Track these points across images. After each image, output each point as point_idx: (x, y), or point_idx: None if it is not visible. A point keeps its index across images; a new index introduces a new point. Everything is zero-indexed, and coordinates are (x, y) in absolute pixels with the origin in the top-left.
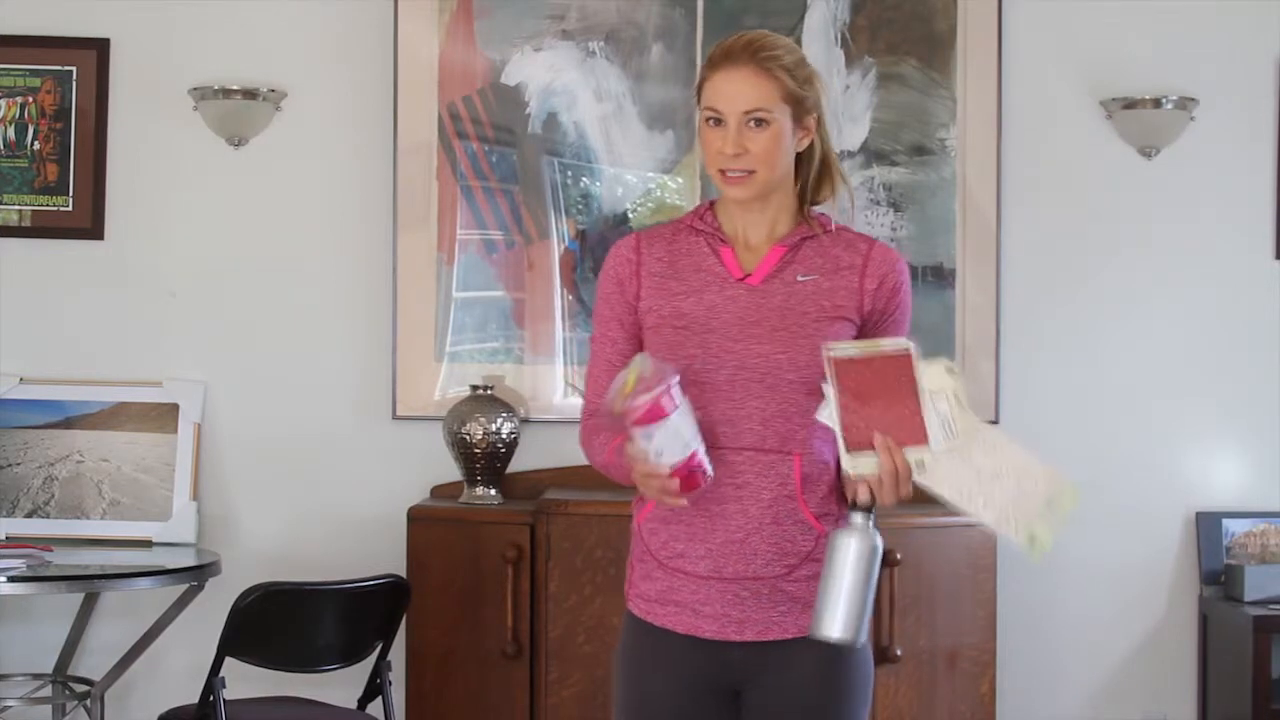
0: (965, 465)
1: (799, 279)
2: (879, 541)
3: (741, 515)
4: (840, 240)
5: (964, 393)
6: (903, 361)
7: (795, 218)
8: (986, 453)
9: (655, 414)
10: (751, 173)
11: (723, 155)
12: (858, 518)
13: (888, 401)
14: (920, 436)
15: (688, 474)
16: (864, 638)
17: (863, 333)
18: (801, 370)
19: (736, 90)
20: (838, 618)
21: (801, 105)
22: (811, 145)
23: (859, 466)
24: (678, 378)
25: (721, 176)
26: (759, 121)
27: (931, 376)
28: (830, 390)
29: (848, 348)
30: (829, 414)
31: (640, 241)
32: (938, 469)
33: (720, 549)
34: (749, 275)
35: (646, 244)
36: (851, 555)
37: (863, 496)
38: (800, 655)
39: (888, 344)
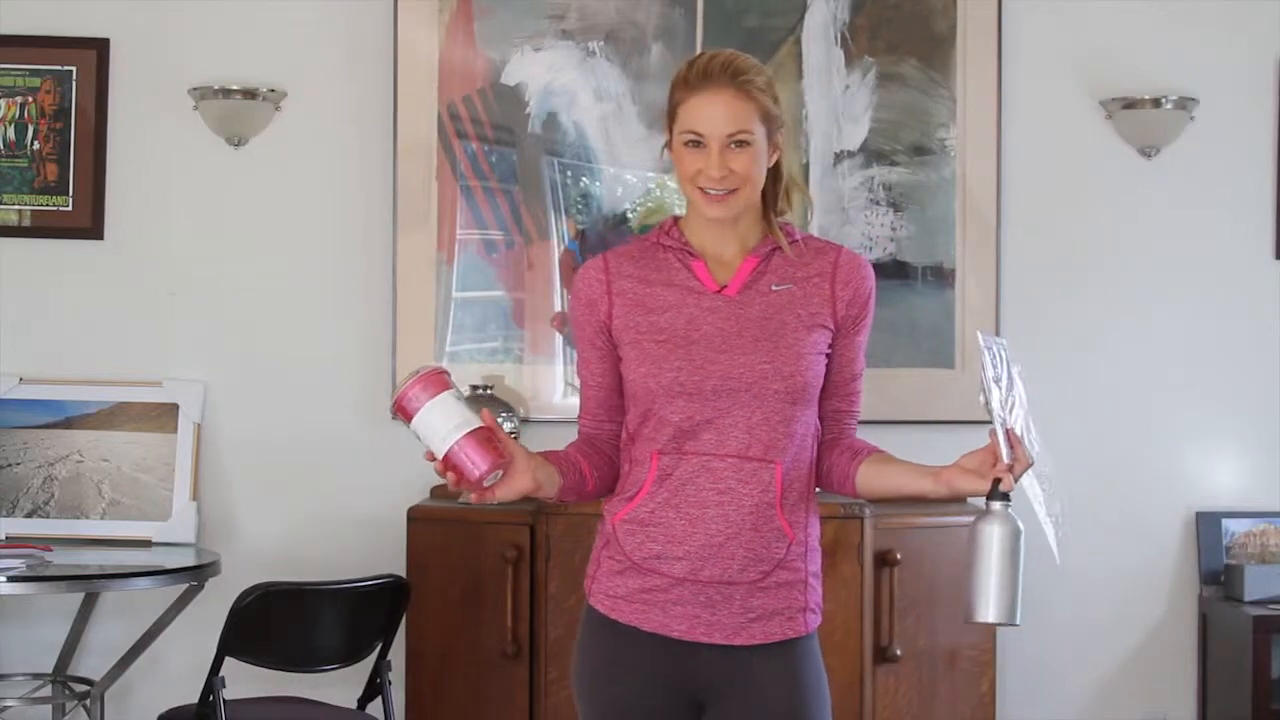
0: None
1: (774, 288)
2: (1020, 525)
3: (722, 520)
4: (809, 249)
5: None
6: None
7: (762, 230)
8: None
9: (403, 413)
10: (734, 191)
11: (706, 176)
12: (997, 505)
13: None
14: None
15: (454, 468)
16: (1020, 619)
17: (836, 338)
18: (786, 380)
19: (719, 114)
20: (992, 601)
21: (775, 123)
22: (777, 159)
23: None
24: (433, 374)
25: (701, 195)
26: (740, 143)
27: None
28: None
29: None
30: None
31: (608, 262)
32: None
33: (698, 552)
34: (724, 287)
35: (615, 263)
36: (997, 540)
37: (1005, 484)
38: (765, 664)
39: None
